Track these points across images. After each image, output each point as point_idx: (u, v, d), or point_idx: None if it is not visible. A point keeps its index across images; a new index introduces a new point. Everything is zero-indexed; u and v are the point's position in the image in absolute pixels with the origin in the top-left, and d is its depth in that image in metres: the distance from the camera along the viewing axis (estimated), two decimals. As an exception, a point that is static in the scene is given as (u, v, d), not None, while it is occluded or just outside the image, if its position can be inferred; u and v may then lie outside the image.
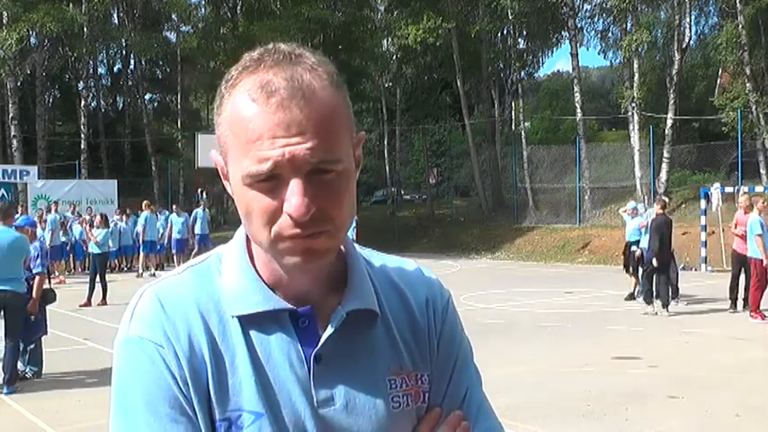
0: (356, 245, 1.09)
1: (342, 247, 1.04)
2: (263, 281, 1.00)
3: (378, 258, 1.12)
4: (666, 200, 14.91)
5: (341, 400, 0.98)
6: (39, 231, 15.76)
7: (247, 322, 0.98)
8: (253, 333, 0.98)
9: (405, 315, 1.08)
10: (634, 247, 13.43)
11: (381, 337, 1.04)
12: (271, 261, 0.99)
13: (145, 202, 21.27)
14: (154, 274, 18.75)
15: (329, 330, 0.99)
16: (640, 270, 13.06)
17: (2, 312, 7.47)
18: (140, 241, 20.19)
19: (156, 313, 0.97)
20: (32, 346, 7.91)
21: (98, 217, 15.77)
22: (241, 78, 0.94)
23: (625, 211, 14.06)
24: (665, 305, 11.86)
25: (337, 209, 0.93)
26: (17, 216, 8.97)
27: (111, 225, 21.17)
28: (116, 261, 21.59)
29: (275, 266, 0.99)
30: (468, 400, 1.09)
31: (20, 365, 7.70)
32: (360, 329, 1.02)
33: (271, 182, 0.91)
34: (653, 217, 12.37)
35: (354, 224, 26.41)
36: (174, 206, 22.77)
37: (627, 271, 13.85)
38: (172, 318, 0.97)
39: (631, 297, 13.55)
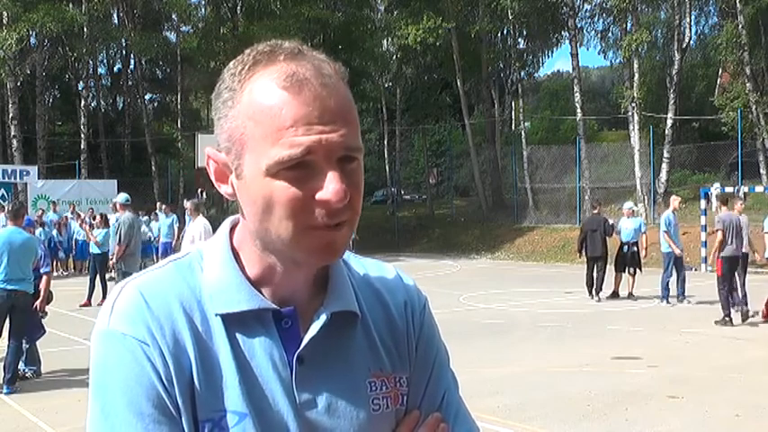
0: None
1: None
2: (248, 278, 0.98)
3: (356, 261, 1.11)
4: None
5: (323, 403, 0.97)
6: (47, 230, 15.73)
7: (231, 321, 0.96)
8: (236, 332, 0.96)
9: (384, 317, 1.07)
10: (626, 247, 13.76)
11: (361, 339, 1.03)
12: (267, 257, 0.97)
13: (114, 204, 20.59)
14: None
15: (312, 331, 0.98)
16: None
17: (9, 313, 7.51)
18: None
19: (138, 308, 0.94)
20: (28, 346, 7.94)
21: (98, 217, 15.75)
22: (256, 70, 0.92)
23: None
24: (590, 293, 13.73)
25: (359, 198, 0.95)
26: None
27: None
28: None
29: (270, 262, 0.97)
30: (445, 404, 1.08)
31: (20, 366, 7.71)
32: (341, 331, 1.02)
33: (299, 170, 0.89)
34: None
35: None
36: (163, 206, 22.71)
37: (616, 270, 14.00)
38: (156, 313, 0.94)
39: (615, 295, 13.80)
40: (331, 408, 0.98)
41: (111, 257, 11.45)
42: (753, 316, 11.08)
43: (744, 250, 11.33)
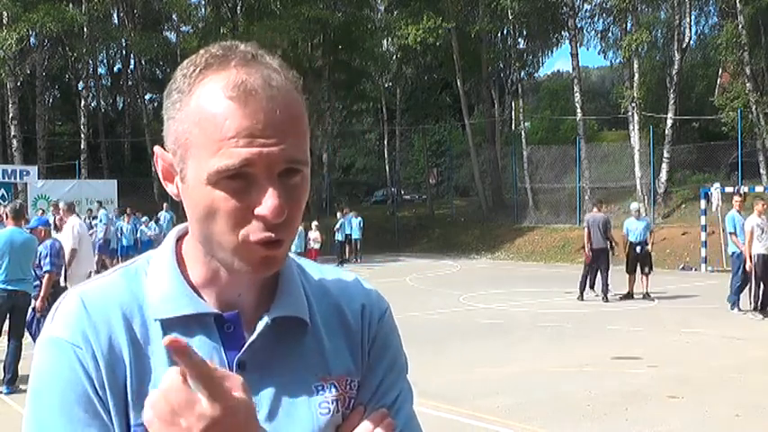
0: (292, 255, 1.07)
1: None
2: (191, 284, 0.99)
3: (313, 268, 1.11)
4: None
5: (265, 408, 0.97)
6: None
7: (170, 326, 0.96)
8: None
9: (338, 322, 1.06)
10: (638, 248, 13.56)
11: (310, 344, 1.03)
12: (210, 261, 0.97)
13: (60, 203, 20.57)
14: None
15: (252, 337, 0.97)
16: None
17: (9, 313, 7.52)
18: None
19: (77, 314, 0.95)
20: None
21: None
22: (207, 74, 0.92)
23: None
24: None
25: (299, 213, 0.93)
26: (34, 216, 9.15)
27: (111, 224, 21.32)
28: (115, 261, 21.63)
29: (215, 266, 0.98)
30: (396, 412, 1.05)
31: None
32: (287, 337, 1.01)
33: (239, 181, 0.89)
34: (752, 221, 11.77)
35: (360, 224, 26.37)
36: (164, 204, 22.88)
37: (627, 271, 13.89)
38: (93, 319, 0.95)
39: (629, 296, 13.73)
40: (272, 413, 0.97)
41: None
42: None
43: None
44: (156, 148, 0.98)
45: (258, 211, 0.89)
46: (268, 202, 0.89)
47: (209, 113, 0.90)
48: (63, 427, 0.91)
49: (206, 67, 0.92)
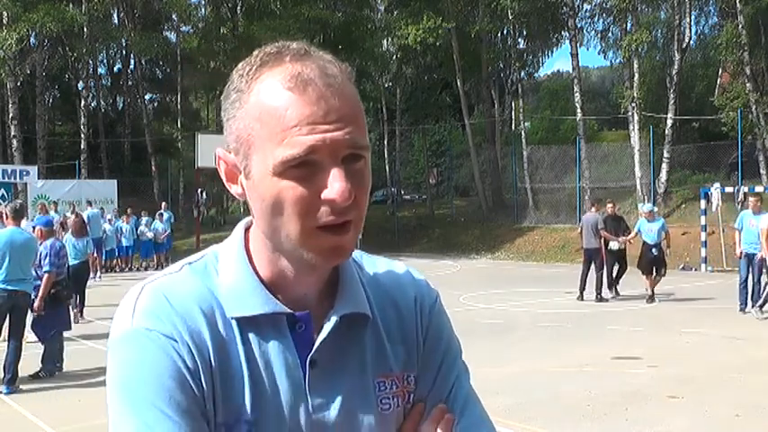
0: None
1: None
2: (262, 281, 0.99)
3: (367, 260, 1.12)
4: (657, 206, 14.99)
5: (335, 405, 0.98)
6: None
7: (245, 324, 0.97)
8: (251, 336, 0.97)
9: (394, 316, 1.08)
10: (654, 250, 13.30)
11: (371, 339, 1.04)
12: (278, 259, 0.98)
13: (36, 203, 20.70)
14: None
15: (323, 335, 0.99)
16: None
17: (9, 313, 7.52)
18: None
19: (162, 307, 0.94)
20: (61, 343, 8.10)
21: None
22: (263, 72, 0.94)
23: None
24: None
25: (365, 198, 0.95)
26: (35, 216, 9.22)
27: (111, 224, 21.34)
28: (116, 261, 21.65)
29: (282, 265, 0.98)
30: (453, 397, 1.08)
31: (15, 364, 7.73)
32: (351, 333, 1.02)
33: (305, 169, 0.90)
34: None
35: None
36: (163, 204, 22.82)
37: (643, 272, 13.63)
38: (180, 312, 0.94)
39: (651, 299, 13.39)
40: (342, 410, 0.99)
41: None
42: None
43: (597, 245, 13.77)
44: (218, 150, 0.99)
45: (325, 194, 0.90)
46: (335, 186, 0.89)
47: (269, 107, 0.91)
48: (168, 417, 0.89)
49: (261, 65, 0.94)
